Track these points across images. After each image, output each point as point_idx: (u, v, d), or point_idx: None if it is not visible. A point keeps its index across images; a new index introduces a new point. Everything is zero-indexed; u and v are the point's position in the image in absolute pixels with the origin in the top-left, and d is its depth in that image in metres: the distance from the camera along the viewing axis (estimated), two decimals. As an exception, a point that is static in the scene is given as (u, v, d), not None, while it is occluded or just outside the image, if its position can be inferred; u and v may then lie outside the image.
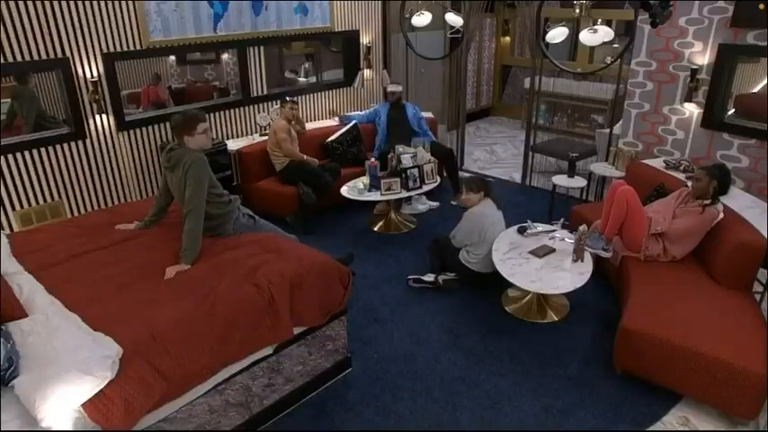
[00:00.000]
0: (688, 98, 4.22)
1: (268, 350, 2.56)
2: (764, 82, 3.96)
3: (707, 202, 3.29)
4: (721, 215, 3.28)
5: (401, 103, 5.45)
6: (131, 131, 4.51)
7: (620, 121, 4.84)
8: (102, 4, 4.07)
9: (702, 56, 4.09)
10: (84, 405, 1.89)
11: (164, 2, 4.40)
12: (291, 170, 4.79)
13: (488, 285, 3.72)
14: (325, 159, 5.16)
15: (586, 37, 4.62)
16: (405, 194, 4.53)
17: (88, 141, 4.26)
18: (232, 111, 5.18)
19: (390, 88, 5.40)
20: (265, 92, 5.38)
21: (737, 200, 3.54)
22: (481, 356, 3.15)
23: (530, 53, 6.03)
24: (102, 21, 4.10)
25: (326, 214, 4.94)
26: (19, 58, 3.76)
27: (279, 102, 5.06)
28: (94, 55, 4.12)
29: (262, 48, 5.19)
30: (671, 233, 3.34)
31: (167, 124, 4.71)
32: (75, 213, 4.31)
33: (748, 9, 3.72)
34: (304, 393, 2.83)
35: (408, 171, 4.45)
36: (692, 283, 3.16)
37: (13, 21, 3.67)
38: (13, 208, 4.00)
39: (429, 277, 3.83)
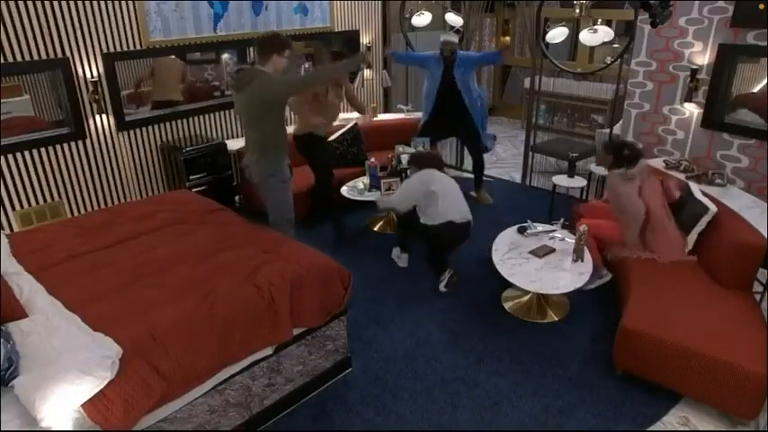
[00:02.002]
0: (688, 98, 4.22)
1: (268, 350, 2.56)
2: (764, 82, 3.96)
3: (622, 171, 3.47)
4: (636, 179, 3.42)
5: (455, 62, 4.49)
6: (131, 131, 4.51)
7: (620, 121, 4.84)
8: (102, 4, 4.07)
9: (702, 56, 4.09)
10: (83, 405, 1.89)
11: (164, 2, 4.40)
12: (306, 143, 4.21)
13: (454, 242, 3.80)
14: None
15: (586, 37, 4.62)
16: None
17: (88, 141, 4.26)
18: (232, 111, 5.18)
19: (443, 37, 4.47)
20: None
21: (737, 200, 3.55)
22: (481, 356, 3.16)
23: (530, 53, 6.03)
24: (102, 21, 4.10)
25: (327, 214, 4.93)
26: (19, 58, 3.76)
27: None
28: (94, 55, 4.12)
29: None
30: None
31: (167, 124, 4.72)
32: (75, 213, 4.32)
33: (748, 9, 3.71)
34: (304, 393, 2.84)
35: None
36: (692, 283, 3.16)
37: (13, 21, 3.67)
38: (13, 208, 4.00)
39: (400, 259, 4.12)
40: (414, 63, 5.10)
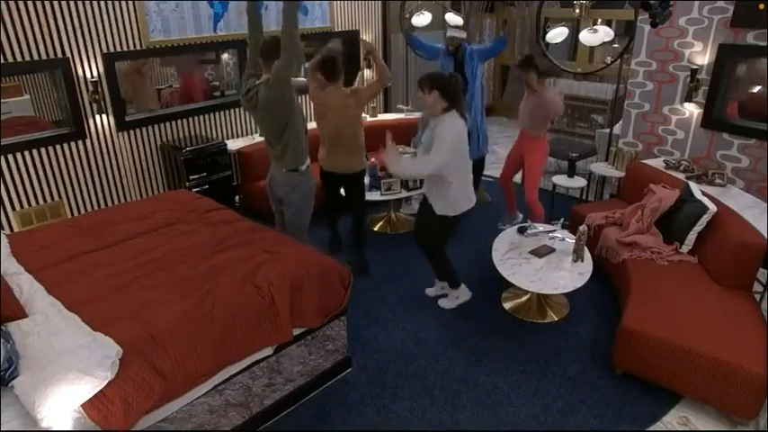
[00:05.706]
0: (688, 98, 4.22)
1: (268, 350, 2.56)
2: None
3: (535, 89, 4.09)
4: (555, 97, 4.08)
5: (465, 58, 4.55)
6: (131, 131, 4.51)
7: (620, 121, 4.84)
8: (102, 4, 4.07)
9: (702, 56, 4.09)
10: (83, 405, 1.90)
11: (164, 2, 4.40)
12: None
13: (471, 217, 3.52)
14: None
15: (586, 37, 4.62)
16: (405, 194, 4.53)
17: (88, 141, 4.26)
18: (232, 111, 5.18)
19: (450, 33, 4.52)
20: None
21: (737, 200, 3.55)
22: (481, 356, 3.15)
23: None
24: (102, 21, 4.10)
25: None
26: (19, 58, 3.76)
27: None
28: (94, 55, 4.12)
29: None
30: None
31: (167, 124, 4.72)
32: (75, 213, 4.31)
33: (748, 9, 3.71)
34: (304, 393, 2.84)
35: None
36: (692, 283, 3.16)
37: (13, 21, 3.66)
38: (13, 208, 4.00)
39: (458, 297, 3.59)
40: (424, 51, 5.04)
